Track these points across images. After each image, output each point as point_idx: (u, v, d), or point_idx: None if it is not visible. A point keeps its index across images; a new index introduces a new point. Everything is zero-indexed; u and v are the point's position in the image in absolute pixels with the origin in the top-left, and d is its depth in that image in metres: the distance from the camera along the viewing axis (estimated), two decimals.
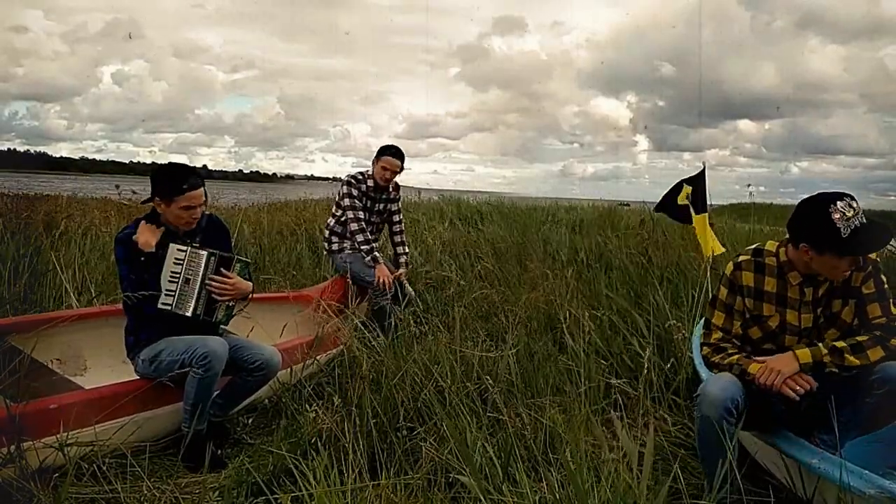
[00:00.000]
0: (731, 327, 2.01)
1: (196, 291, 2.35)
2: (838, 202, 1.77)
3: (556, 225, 7.58)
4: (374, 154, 3.89)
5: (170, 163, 2.44)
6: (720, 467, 1.69)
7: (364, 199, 3.87)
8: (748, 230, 6.60)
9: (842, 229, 1.75)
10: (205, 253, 2.37)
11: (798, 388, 1.78)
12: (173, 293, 2.33)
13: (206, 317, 2.40)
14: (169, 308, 2.33)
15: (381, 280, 3.69)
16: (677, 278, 4.27)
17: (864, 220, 1.78)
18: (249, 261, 2.47)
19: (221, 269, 2.40)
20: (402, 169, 3.91)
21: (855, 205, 1.77)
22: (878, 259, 1.93)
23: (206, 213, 2.53)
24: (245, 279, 2.48)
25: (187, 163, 2.55)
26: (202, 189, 2.38)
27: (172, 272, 2.33)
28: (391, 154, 3.83)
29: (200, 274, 2.35)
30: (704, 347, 2.04)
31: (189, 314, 2.34)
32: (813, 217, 1.80)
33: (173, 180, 2.33)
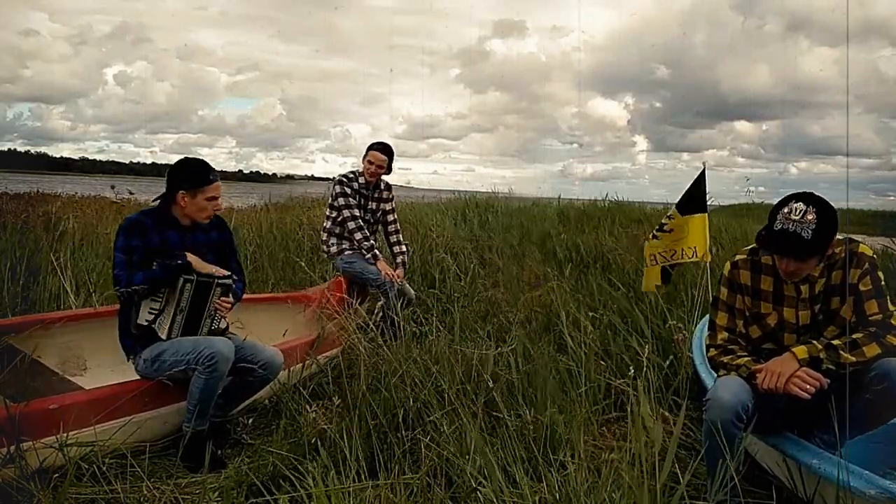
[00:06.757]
0: (734, 326, 2.01)
1: (172, 316, 2.33)
2: (798, 202, 1.78)
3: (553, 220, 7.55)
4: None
5: (186, 157, 2.46)
6: (722, 472, 1.67)
7: (357, 196, 3.88)
8: (747, 230, 6.59)
9: (774, 224, 1.80)
10: (179, 280, 2.32)
11: (808, 386, 1.74)
12: (156, 311, 2.33)
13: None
14: (148, 324, 2.34)
15: (384, 275, 3.70)
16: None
17: (801, 231, 1.74)
18: (229, 282, 2.45)
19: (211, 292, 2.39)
20: (389, 165, 3.90)
21: (811, 217, 1.74)
22: (875, 257, 1.92)
23: None
24: (230, 292, 2.47)
25: None
26: (220, 182, 2.46)
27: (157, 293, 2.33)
28: (376, 149, 3.86)
29: (176, 300, 2.32)
30: (711, 349, 2.03)
31: (164, 336, 2.33)
32: (775, 207, 1.85)
33: (201, 172, 2.40)
